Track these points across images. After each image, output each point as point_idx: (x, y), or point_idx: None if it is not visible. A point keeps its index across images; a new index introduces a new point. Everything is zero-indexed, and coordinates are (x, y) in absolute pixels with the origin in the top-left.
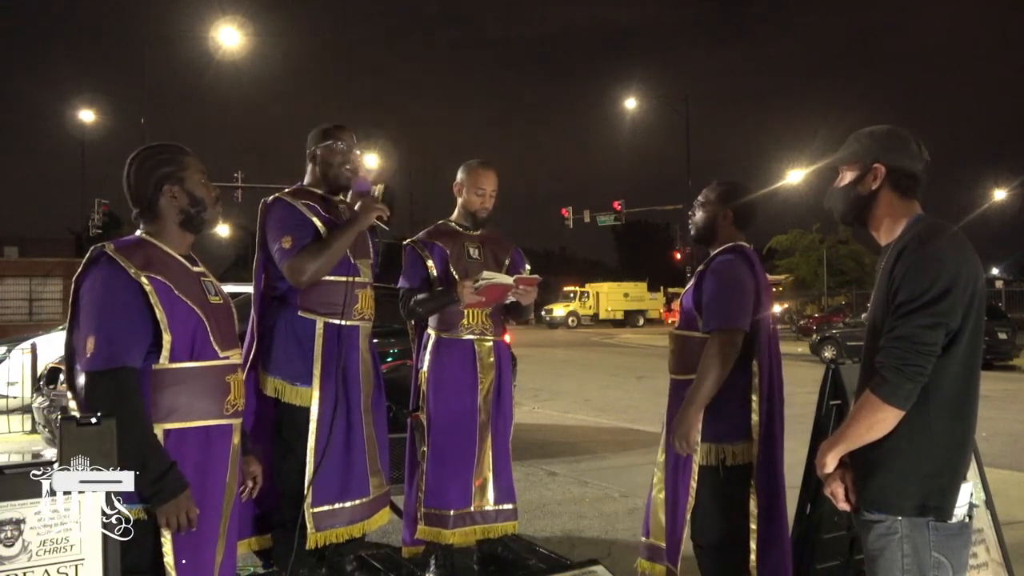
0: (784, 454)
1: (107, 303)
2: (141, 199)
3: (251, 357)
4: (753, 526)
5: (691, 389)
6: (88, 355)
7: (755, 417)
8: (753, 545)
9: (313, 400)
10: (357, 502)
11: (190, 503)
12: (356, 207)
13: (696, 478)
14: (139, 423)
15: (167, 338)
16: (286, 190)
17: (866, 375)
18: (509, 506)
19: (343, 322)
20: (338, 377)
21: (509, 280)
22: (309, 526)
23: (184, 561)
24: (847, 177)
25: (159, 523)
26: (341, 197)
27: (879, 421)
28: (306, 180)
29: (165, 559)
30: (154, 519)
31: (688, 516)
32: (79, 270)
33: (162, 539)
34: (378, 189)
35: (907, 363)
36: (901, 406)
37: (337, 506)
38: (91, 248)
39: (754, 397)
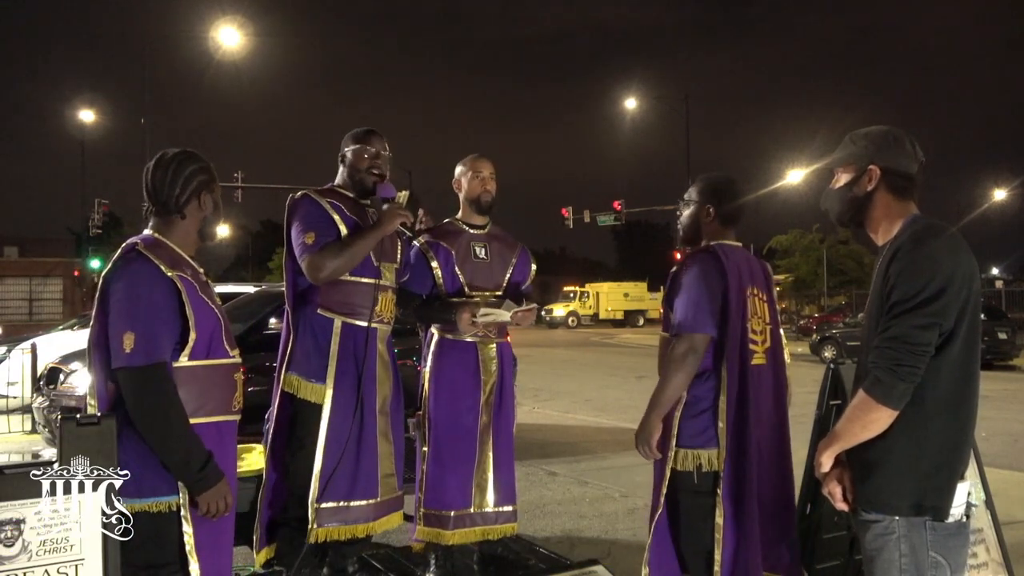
0: (768, 460)
1: (145, 300)
2: (175, 200)
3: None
4: (719, 536)
5: (653, 394)
6: (128, 351)
7: (720, 424)
8: (717, 556)
9: (326, 398)
10: (364, 503)
11: (227, 489)
12: (381, 212)
13: (667, 485)
14: (182, 416)
15: (192, 336)
16: (315, 188)
17: (861, 374)
18: (509, 508)
19: (363, 323)
20: (354, 377)
21: (507, 316)
22: (311, 521)
23: (205, 550)
24: (843, 179)
25: (200, 510)
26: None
27: (873, 421)
28: (337, 181)
29: (187, 548)
30: (178, 512)
31: (654, 524)
32: (109, 266)
33: (184, 528)
34: (403, 196)
35: (900, 363)
36: (894, 406)
37: (342, 504)
38: (123, 245)
39: (721, 403)
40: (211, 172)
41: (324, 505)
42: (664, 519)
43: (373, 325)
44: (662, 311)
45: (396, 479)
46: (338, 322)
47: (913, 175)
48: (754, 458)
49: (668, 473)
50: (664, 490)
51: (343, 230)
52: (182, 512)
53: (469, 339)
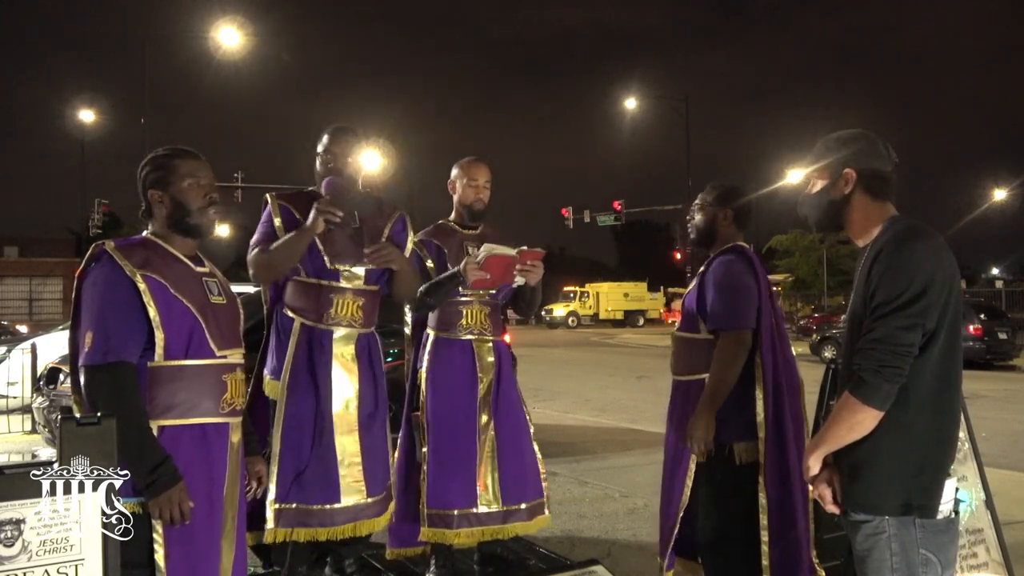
0: (796, 447)
1: (104, 300)
2: (142, 200)
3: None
4: (765, 521)
5: (704, 392)
6: (86, 349)
7: (760, 415)
8: (765, 538)
9: (281, 395)
10: (326, 507)
11: (183, 496)
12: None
13: (692, 477)
14: (134, 416)
15: (160, 336)
16: (289, 191)
17: (847, 376)
18: (523, 505)
19: (319, 325)
20: (308, 378)
21: (512, 252)
22: (269, 520)
23: (176, 557)
24: (818, 184)
25: (152, 515)
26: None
27: (858, 422)
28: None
29: (156, 554)
30: (148, 514)
31: (681, 514)
32: (81, 267)
33: (154, 535)
34: (332, 190)
35: (885, 364)
36: (879, 407)
37: (300, 506)
38: (93, 245)
39: (758, 395)
40: (167, 167)
41: (281, 506)
42: (677, 508)
43: (328, 327)
44: (684, 309)
45: (368, 483)
46: (298, 322)
47: (888, 176)
48: (793, 447)
49: (692, 467)
50: (689, 482)
51: (279, 230)
52: (154, 518)
53: (465, 337)
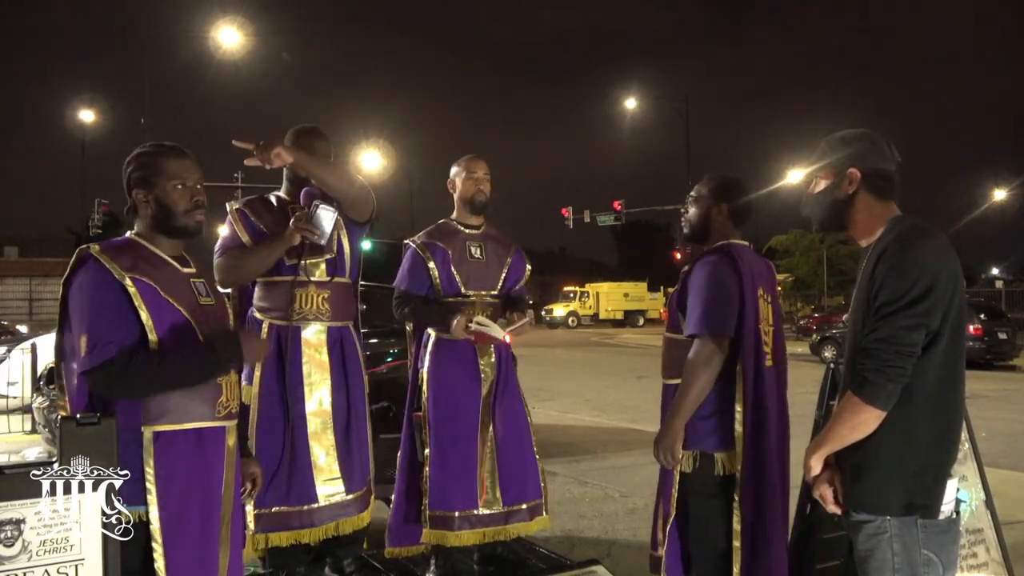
0: (779, 462)
1: (94, 304)
2: (127, 199)
3: None
4: (736, 543)
5: (675, 399)
6: (83, 354)
7: (739, 428)
8: (736, 568)
9: (253, 398)
10: (301, 508)
11: (249, 341)
12: (291, 222)
13: (678, 488)
14: (156, 359)
15: (153, 339)
16: (250, 197)
17: (850, 376)
18: (523, 506)
19: (285, 323)
20: (281, 379)
21: (501, 334)
22: (249, 526)
23: (176, 563)
24: (822, 183)
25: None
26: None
27: (861, 422)
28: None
29: (156, 563)
30: (146, 523)
31: (668, 527)
32: (67, 272)
33: (153, 543)
34: (312, 206)
35: (888, 364)
36: (882, 407)
37: (276, 510)
38: (78, 249)
39: (737, 407)
40: (151, 166)
41: (259, 511)
42: (675, 524)
43: (295, 323)
44: (668, 311)
45: (346, 481)
46: (266, 323)
47: (892, 175)
48: (772, 462)
49: (678, 477)
50: (675, 493)
51: (245, 238)
52: (152, 525)
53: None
